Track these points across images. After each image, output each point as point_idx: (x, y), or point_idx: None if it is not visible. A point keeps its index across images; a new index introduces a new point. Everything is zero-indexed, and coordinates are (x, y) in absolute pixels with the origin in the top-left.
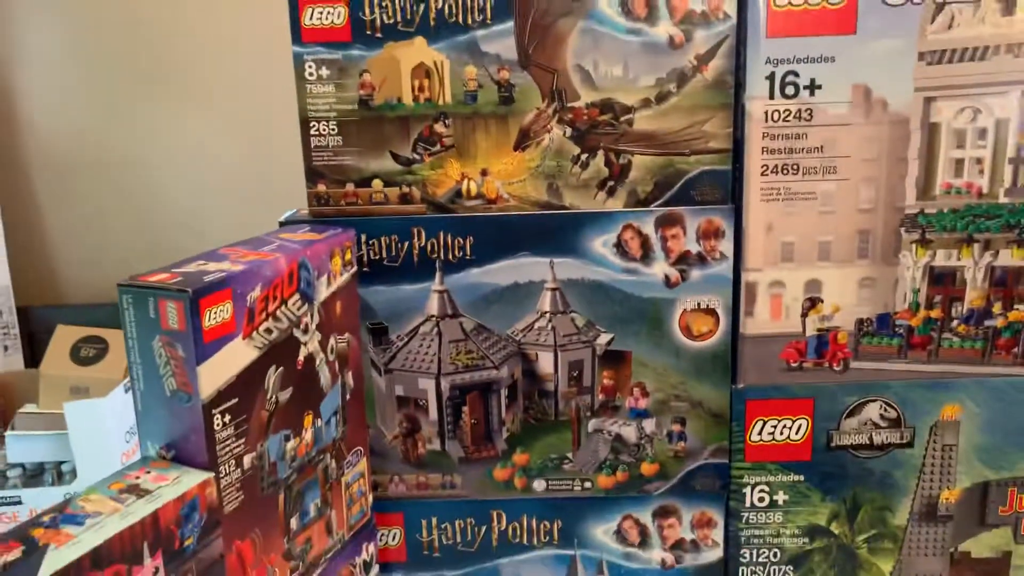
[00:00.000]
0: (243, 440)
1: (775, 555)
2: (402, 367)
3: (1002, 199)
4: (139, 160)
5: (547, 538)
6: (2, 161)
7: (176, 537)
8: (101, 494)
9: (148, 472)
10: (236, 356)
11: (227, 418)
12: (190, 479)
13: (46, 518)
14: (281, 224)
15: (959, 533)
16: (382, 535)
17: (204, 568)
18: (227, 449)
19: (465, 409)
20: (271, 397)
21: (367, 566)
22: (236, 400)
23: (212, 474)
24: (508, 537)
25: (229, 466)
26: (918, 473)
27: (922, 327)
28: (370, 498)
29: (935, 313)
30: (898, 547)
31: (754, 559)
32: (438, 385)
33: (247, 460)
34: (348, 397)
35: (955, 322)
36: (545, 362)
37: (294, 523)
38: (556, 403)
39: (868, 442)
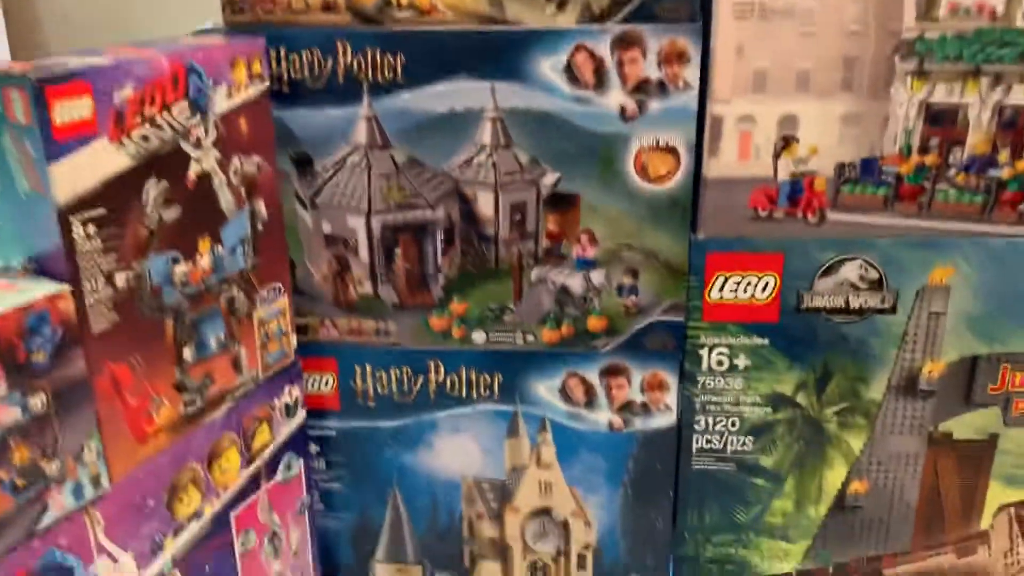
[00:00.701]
0: (115, 255)
1: (733, 424)
2: (329, 202)
3: (1019, 22)
4: None
5: (487, 392)
6: None
7: (20, 350)
8: None
9: None
10: (101, 160)
11: (91, 228)
12: (39, 290)
13: None
14: (195, 34)
15: (940, 411)
16: (313, 381)
17: (63, 387)
18: (93, 263)
19: (398, 252)
20: (151, 212)
21: (289, 409)
22: (103, 210)
23: (66, 287)
24: (446, 389)
25: (96, 282)
26: (899, 343)
27: (913, 175)
28: (293, 339)
29: (930, 159)
30: (871, 423)
31: (710, 427)
32: (368, 225)
33: (121, 278)
34: (261, 228)
35: (953, 171)
36: (485, 203)
37: (188, 354)
38: (496, 249)
39: (844, 305)
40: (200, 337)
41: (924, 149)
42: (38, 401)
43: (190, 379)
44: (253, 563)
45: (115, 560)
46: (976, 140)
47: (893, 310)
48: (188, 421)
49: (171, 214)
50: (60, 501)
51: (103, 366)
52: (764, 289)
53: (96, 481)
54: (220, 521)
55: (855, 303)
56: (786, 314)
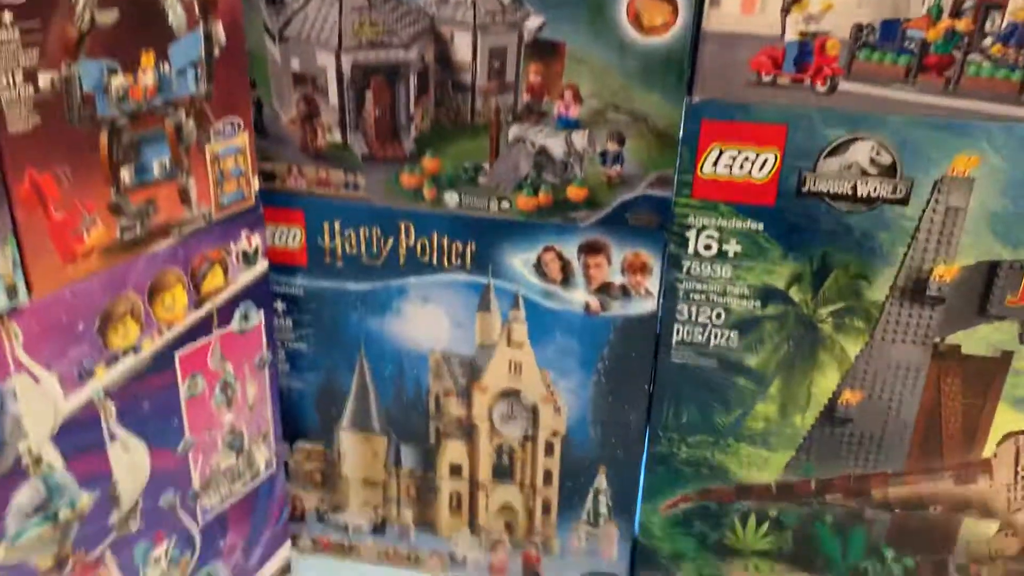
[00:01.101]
0: (37, 51)
1: (718, 316)
2: (299, 36)
3: None
4: None
5: (459, 261)
6: None
7: None
8: None
9: None
10: None
11: (7, 16)
12: None
13: None
14: None
15: (949, 321)
16: (281, 234)
17: None
18: (10, 56)
19: (369, 95)
20: (81, 12)
21: (248, 257)
22: None
23: None
24: (417, 254)
25: (13, 77)
26: (909, 239)
27: (942, 43)
28: (255, 183)
29: (962, 24)
30: (871, 327)
31: (693, 317)
32: (338, 62)
33: (44, 78)
34: (217, 53)
35: (988, 40)
36: (462, 45)
37: (126, 175)
38: (473, 100)
39: (851, 192)
40: (141, 159)
41: (956, 12)
42: None
43: (128, 203)
44: (201, 409)
45: (36, 379)
46: (1019, 4)
47: (905, 201)
48: (125, 248)
49: (107, 18)
50: None
51: (23, 171)
52: (762, 167)
53: (12, 291)
54: (162, 359)
55: (863, 190)
56: (784, 197)
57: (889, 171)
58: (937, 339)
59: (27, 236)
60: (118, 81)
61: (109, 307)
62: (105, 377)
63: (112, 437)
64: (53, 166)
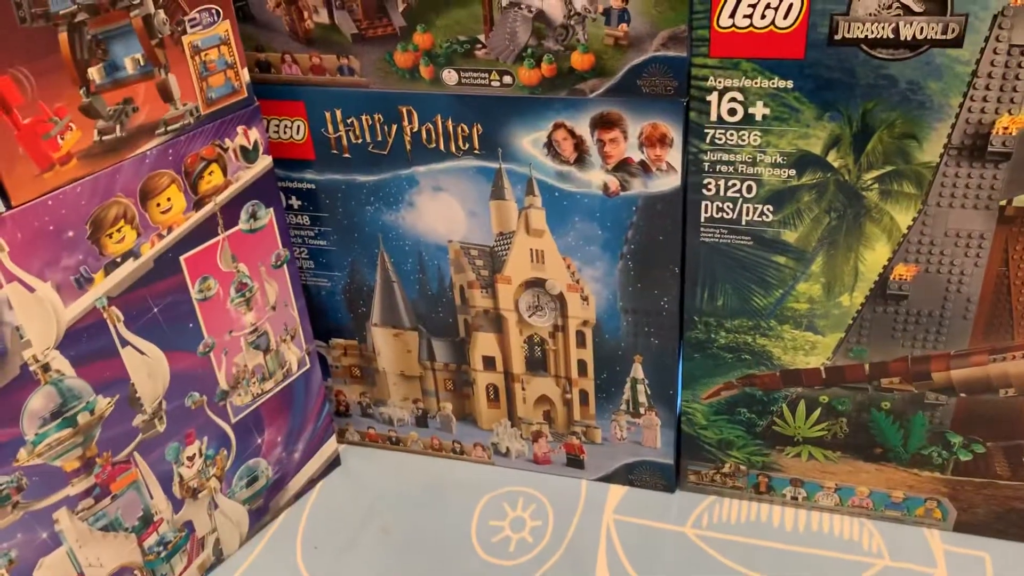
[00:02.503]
0: None
1: (749, 189)
2: None
3: None
4: None
5: (467, 145)
6: None
7: None
8: None
9: None
10: None
11: None
12: None
13: None
14: None
15: (1018, 180)
16: (284, 127)
17: None
18: None
19: None
20: None
21: (247, 153)
22: None
23: None
24: (423, 140)
25: None
26: (966, 87)
27: None
28: (244, 74)
29: None
30: (923, 193)
31: (721, 192)
32: None
33: None
34: None
35: None
36: None
37: (95, 74)
38: None
39: (892, 35)
40: (110, 57)
41: None
42: None
43: (102, 103)
44: (217, 311)
45: (30, 289)
46: None
47: (959, 42)
48: (108, 151)
49: None
50: None
51: None
52: (787, 13)
53: None
54: (167, 263)
55: (907, 32)
56: (815, 47)
57: (938, 7)
58: (1003, 201)
59: None
60: None
61: (98, 213)
62: (106, 284)
63: (123, 343)
64: (10, 69)
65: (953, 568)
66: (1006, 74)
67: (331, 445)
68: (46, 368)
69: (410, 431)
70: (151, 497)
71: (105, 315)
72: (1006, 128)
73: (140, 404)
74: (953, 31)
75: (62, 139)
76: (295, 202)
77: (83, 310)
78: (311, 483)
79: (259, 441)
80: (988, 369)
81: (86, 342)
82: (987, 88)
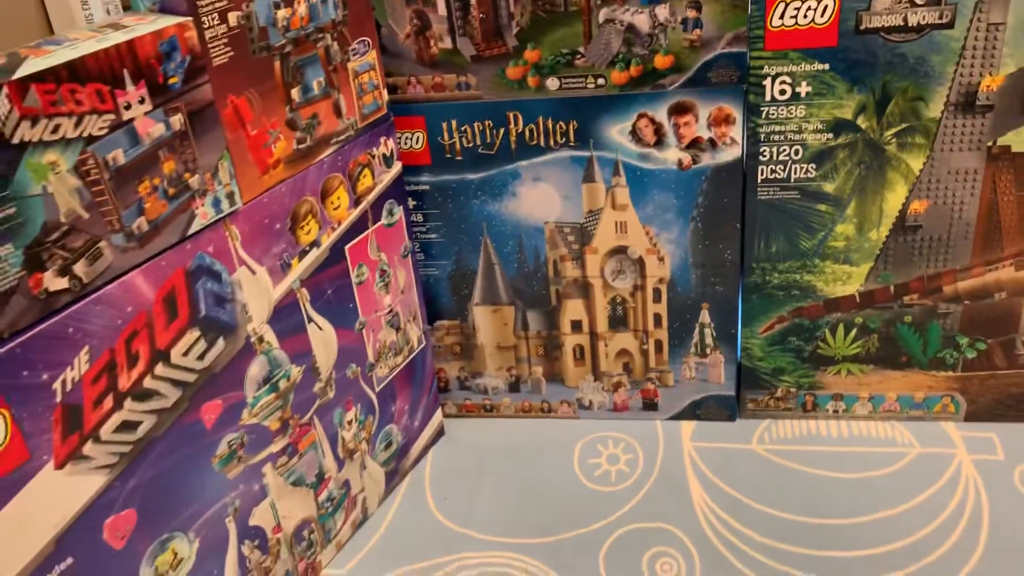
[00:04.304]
0: None
1: (796, 152)
2: None
3: None
4: None
5: (563, 139)
6: None
7: (159, 72)
8: (84, 30)
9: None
10: None
11: None
12: (168, 21)
13: None
14: None
15: (999, 125)
16: (405, 139)
17: (195, 109)
18: (208, 1)
19: (473, 2)
20: None
21: (387, 160)
22: None
23: (189, 18)
24: (526, 139)
25: (212, 19)
26: (957, 58)
27: None
28: (384, 93)
29: None
30: (930, 142)
31: (774, 157)
32: None
33: (233, 17)
34: None
35: None
36: None
37: (296, 95)
38: None
39: (903, 23)
40: (304, 80)
41: None
42: (177, 119)
43: (299, 118)
44: (368, 293)
45: (253, 272)
46: None
47: (951, 25)
48: (301, 157)
49: None
50: (204, 211)
51: (226, 97)
52: (823, 13)
53: (231, 198)
54: (336, 252)
55: (913, 20)
56: (845, 37)
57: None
58: (990, 143)
59: (234, 151)
60: (282, 14)
61: (296, 209)
62: (299, 269)
63: (309, 319)
64: (245, 90)
65: (970, 447)
66: (986, 46)
67: (438, 416)
68: (261, 340)
69: (503, 397)
70: (324, 456)
71: (298, 295)
72: (988, 86)
73: (318, 373)
74: (947, 16)
75: (275, 147)
76: (411, 202)
77: (284, 290)
78: (425, 450)
79: (393, 409)
80: (985, 278)
81: (285, 318)
82: (973, 57)
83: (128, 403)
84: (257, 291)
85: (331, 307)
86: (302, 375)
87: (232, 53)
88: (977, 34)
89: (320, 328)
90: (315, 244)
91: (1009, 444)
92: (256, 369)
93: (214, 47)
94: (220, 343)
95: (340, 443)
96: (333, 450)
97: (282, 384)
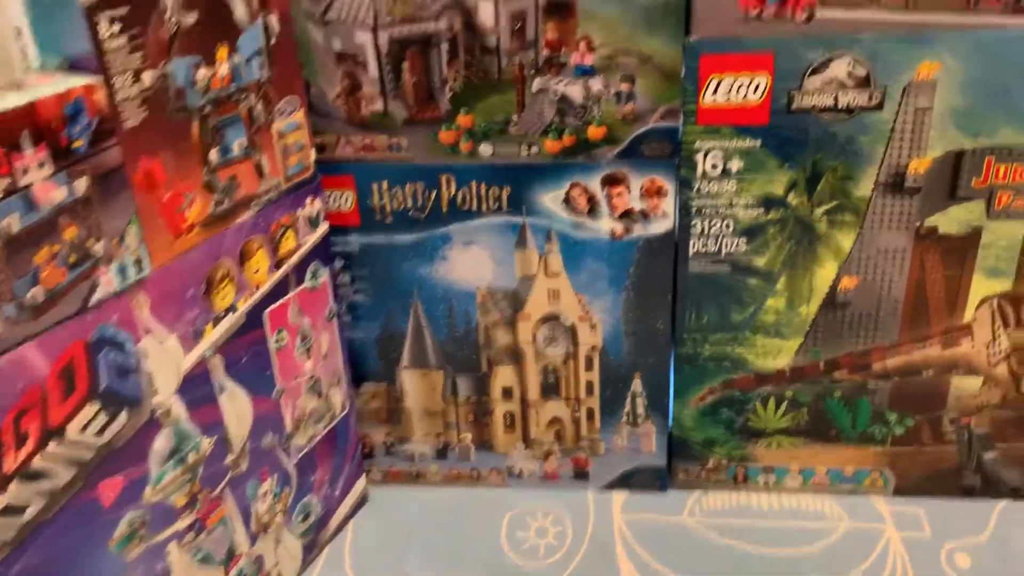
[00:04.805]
0: (140, 55)
1: (728, 226)
2: (338, 19)
3: None
4: None
5: (496, 205)
6: None
7: (62, 135)
8: None
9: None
10: None
11: (117, 27)
12: (75, 82)
13: None
14: None
15: (927, 206)
16: (334, 199)
17: (102, 173)
18: (121, 61)
19: (405, 65)
20: (170, 16)
21: (312, 221)
22: (127, 8)
23: (98, 78)
24: (458, 203)
25: (125, 78)
26: (886, 140)
27: None
28: (312, 154)
29: None
30: (860, 220)
31: (706, 230)
32: (375, 39)
33: (148, 77)
34: (274, 41)
35: None
36: (485, 13)
37: (214, 156)
38: (499, 60)
39: (833, 104)
40: (224, 141)
41: None
42: (82, 184)
43: (217, 180)
44: (287, 359)
45: (161, 341)
46: None
47: (880, 107)
48: (218, 220)
49: (189, 19)
50: (108, 279)
51: (137, 160)
52: (756, 90)
53: (139, 264)
54: (254, 317)
55: (844, 101)
56: (777, 115)
57: (864, 82)
58: (917, 223)
59: (144, 216)
60: (202, 74)
61: (210, 273)
62: (213, 336)
63: (222, 388)
64: (158, 153)
65: (898, 523)
66: (914, 129)
67: (361, 483)
68: (168, 412)
69: (431, 464)
70: (234, 532)
71: (210, 364)
72: (916, 168)
73: (230, 444)
74: (876, 99)
75: (189, 211)
76: (338, 263)
77: (196, 359)
78: (346, 520)
79: (313, 479)
80: (913, 356)
81: (196, 388)
82: (901, 139)
83: (14, 486)
84: (165, 361)
85: (247, 375)
86: (213, 447)
87: (146, 114)
88: (905, 118)
89: (234, 397)
90: (231, 309)
91: (936, 520)
92: (162, 443)
93: (126, 108)
94: (122, 417)
95: (253, 517)
96: (245, 524)
97: (191, 457)
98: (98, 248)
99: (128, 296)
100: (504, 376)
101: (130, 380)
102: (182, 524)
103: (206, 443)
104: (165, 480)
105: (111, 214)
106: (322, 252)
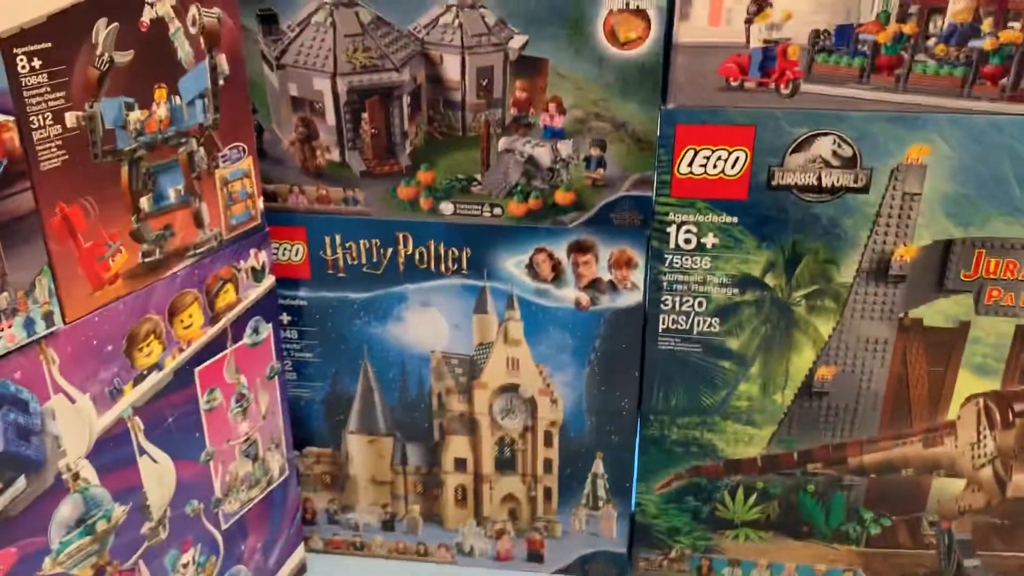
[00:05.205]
0: (63, 94)
1: (700, 304)
2: (295, 63)
3: None
4: None
5: (455, 266)
6: None
7: None
8: None
9: None
10: None
11: (36, 63)
12: None
13: None
14: None
15: (912, 297)
16: (284, 250)
17: (10, 219)
18: (40, 99)
19: (365, 116)
20: (101, 53)
21: (256, 274)
22: (49, 45)
23: (11, 118)
24: (415, 262)
25: (44, 119)
26: (871, 224)
27: (891, 45)
28: (260, 203)
29: (909, 27)
30: (840, 307)
31: (677, 307)
32: (334, 86)
33: (71, 118)
34: (222, 83)
35: (932, 40)
36: (451, 66)
37: (145, 203)
38: (464, 116)
39: (816, 183)
40: (158, 188)
41: (903, 16)
42: None
43: (148, 229)
44: (219, 420)
45: (72, 400)
46: (958, 7)
47: (866, 190)
48: (147, 271)
49: (123, 58)
50: (11, 334)
51: (54, 205)
52: (734, 164)
53: (49, 318)
54: (183, 375)
55: (827, 181)
56: (756, 191)
57: (850, 163)
58: (901, 314)
59: (59, 265)
60: (135, 116)
61: (134, 329)
62: (133, 395)
63: (141, 452)
64: (79, 198)
65: None
66: (901, 214)
67: (299, 552)
68: (76, 476)
69: (375, 535)
70: None
71: (129, 425)
72: (902, 256)
73: (148, 512)
74: (862, 181)
75: (113, 261)
76: (285, 317)
77: (112, 420)
78: None
79: (243, 548)
80: (892, 453)
81: (111, 451)
82: (887, 225)
83: None
84: (76, 421)
85: (171, 437)
86: (127, 515)
87: (67, 157)
88: (892, 202)
89: (155, 461)
90: (156, 367)
91: None
92: (68, 510)
93: (44, 150)
94: (20, 482)
95: None
96: None
97: (99, 526)
98: (1, 300)
99: (35, 351)
100: (457, 446)
101: (32, 442)
102: None
103: (119, 510)
104: (68, 551)
105: (18, 263)
106: (266, 307)
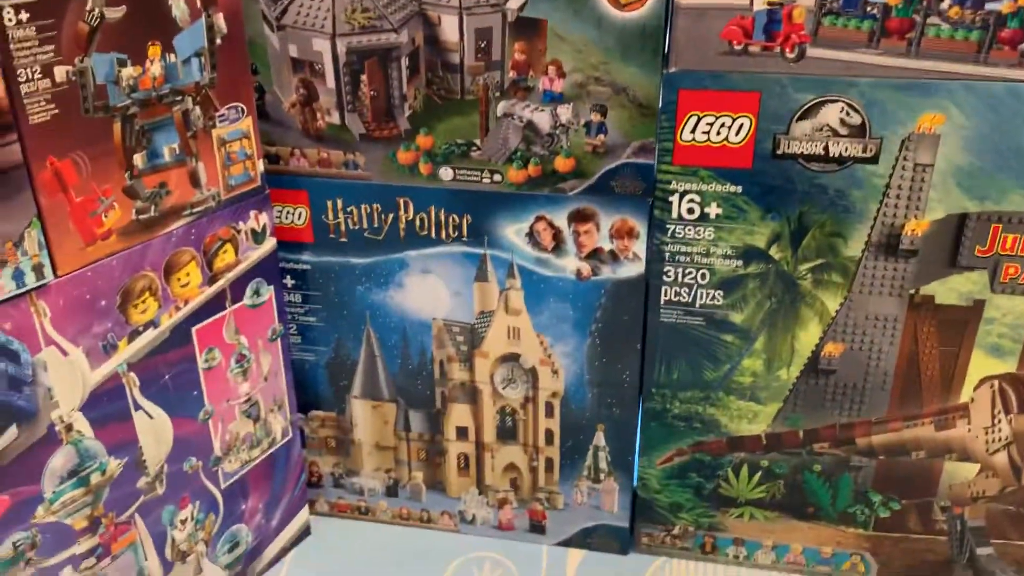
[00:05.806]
0: (52, 48)
1: (703, 276)
2: (295, 24)
3: None
4: None
5: (456, 233)
6: None
7: None
8: None
9: None
10: None
11: (24, 15)
12: None
13: None
14: None
15: (923, 273)
16: (287, 213)
17: None
18: (27, 52)
19: (364, 78)
20: (92, 8)
21: (256, 236)
22: None
23: None
24: (416, 228)
25: (32, 72)
26: (881, 196)
27: (902, 7)
28: (260, 164)
29: None
30: (848, 282)
31: (679, 279)
32: (334, 47)
33: (60, 72)
34: (219, 42)
35: (946, 2)
36: (449, 27)
37: (139, 160)
38: (462, 78)
39: (823, 152)
40: (152, 145)
41: None
42: None
43: (142, 186)
44: (219, 380)
45: (64, 353)
46: None
47: (876, 160)
48: (142, 228)
49: (115, 13)
50: (0, 284)
51: (44, 159)
52: (738, 131)
53: (39, 271)
54: (181, 333)
55: (835, 150)
56: (761, 160)
57: (859, 131)
58: (912, 290)
59: (50, 219)
60: (128, 72)
61: (128, 285)
62: (128, 351)
63: (136, 407)
64: (71, 153)
65: None
66: (912, 186)
67: (303, 515)
68: (69, 428)
69: (380, 500)
70: (146, 559)
71: (124, 380)
72: (913, 230)
73: (145, 467)
74: (871, 151)
75: (106, 217)
76: (289, 281)
77: (106, 375)
78: (284, 552)
79: (243, 508)
80: (903, 434)
81: (105, 405)
82: (897, 197)
83: None
84: (68, 374)
85: (168, 394)
86: (122, 468)
87: (56, 111)
88: (903, 173)
89: (151, 417)
90: (152, 324)
91: None
92: (60, 461)
93: (32, 103)
94: (11, 431)
95: (170, 544)
96: (159, 551)
97: (94, 478)
98: None
99: (26, 303)
100: (459, 415)
101: (23, 392)
102: (81, 548)
103: (113, 464)
104: (62, 500)
105: (6, 215)
106: (267, 269)
